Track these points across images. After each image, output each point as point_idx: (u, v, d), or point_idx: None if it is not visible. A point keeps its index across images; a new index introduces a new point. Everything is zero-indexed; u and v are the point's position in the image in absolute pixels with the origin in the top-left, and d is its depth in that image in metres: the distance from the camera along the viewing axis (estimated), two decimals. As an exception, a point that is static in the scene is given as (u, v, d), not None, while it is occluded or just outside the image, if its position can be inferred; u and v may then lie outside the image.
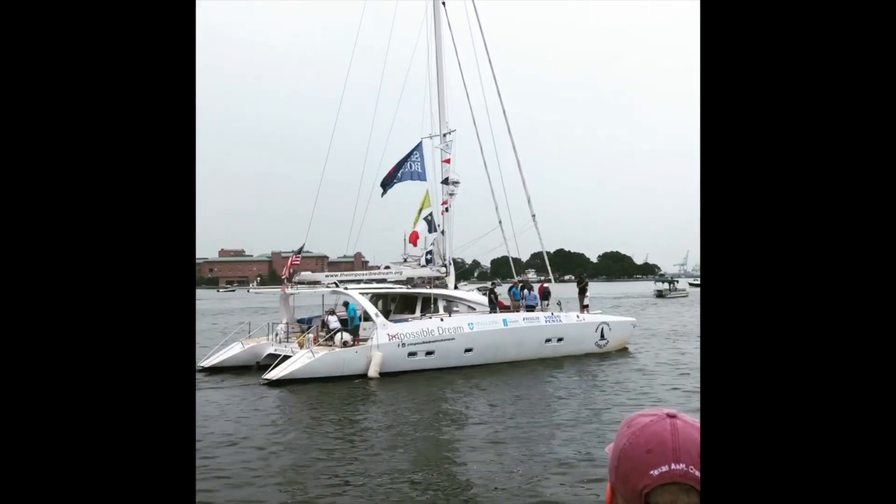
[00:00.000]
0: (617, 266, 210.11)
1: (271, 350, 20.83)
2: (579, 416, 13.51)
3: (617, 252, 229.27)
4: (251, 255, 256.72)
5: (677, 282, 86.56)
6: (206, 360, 20.88)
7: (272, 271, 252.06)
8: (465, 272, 38.33)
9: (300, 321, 22.51)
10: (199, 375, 19.67)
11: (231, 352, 21.05)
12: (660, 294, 74.19)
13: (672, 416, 1.11)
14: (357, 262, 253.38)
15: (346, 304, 20.94)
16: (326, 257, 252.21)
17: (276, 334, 21.69)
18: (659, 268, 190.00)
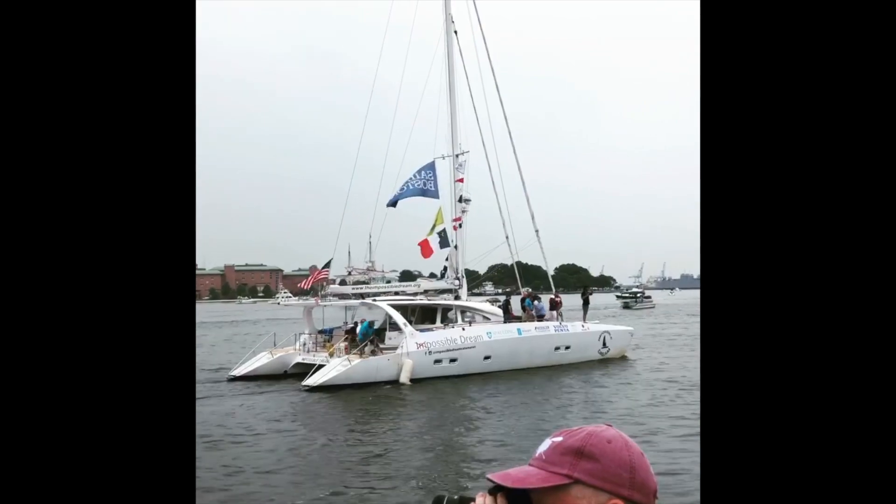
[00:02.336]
0: (574, 278, 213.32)
1: (299, 359, 21.99)
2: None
3: (573, 264, 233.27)
4: (203, 269, 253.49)
5: (642, 292, 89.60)
6: (236, 370, 21.91)
7: (225, 284, 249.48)
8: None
9: (321, 332, 23.70)
10: (232, 384, 20.75)
11: (260, 361, 22.12)
12: (626, 305, 76.44)
13: (609, 425, 1.19)
14: (311, 274, 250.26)
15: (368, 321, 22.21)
16: (281, 271, 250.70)
17: (304, 344, 22.83)
18: (615, 279, 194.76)
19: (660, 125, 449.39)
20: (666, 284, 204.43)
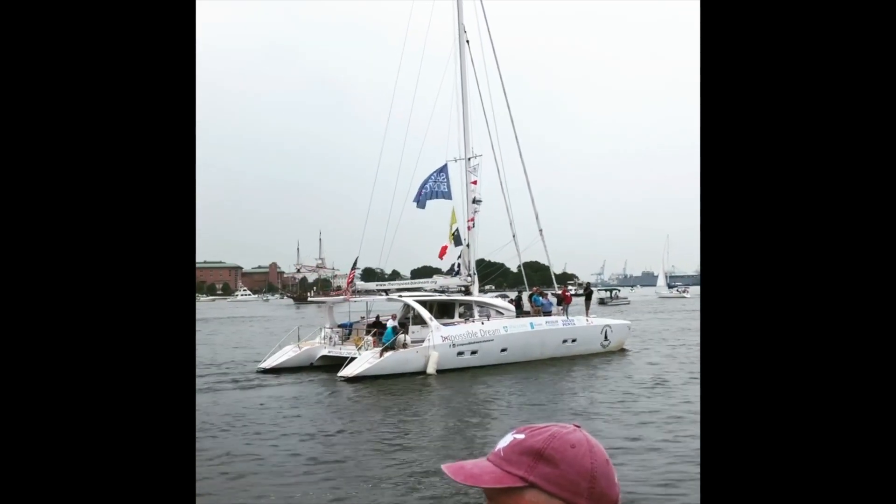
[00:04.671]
0: (537, 276, 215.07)
1: (325, 352, 23.15)
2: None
3: (536, 262, 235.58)
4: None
5: (619, 290, 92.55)
6: (265, 362, 22.97)
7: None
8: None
9: (341, 326, 24.86)
10: (263, 376, 21.80)
11: (287, 354, 23.19)
12: (602, 301, 78.68)
13: (577, 426, 1.15)
14: (272, 273, 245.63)
15: (393, 317, 23.48)
16: (240, 268, 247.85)
17: (330, 338, 23.96)
18: (577, 276, 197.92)
19: (623, 129, 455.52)
20: (627, 281, 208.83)
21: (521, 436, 1.12)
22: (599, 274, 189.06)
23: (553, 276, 29.12)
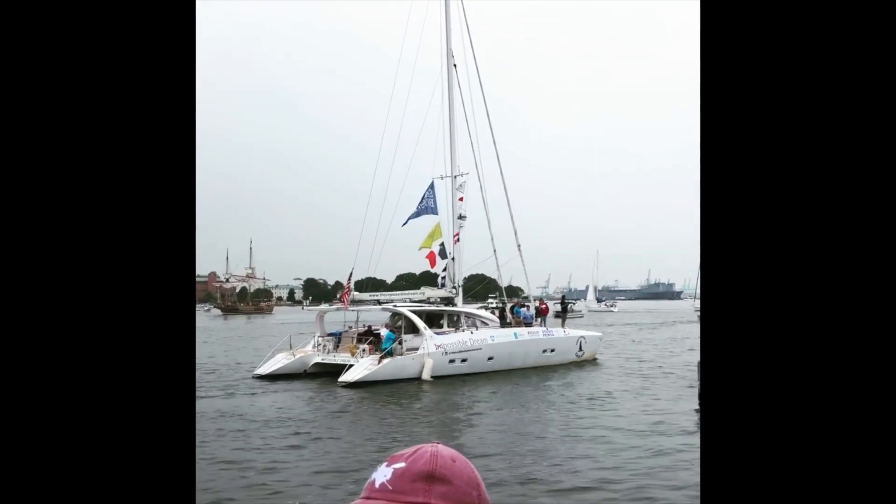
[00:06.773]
0: (482, 287, 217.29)
1: (318, 359, 24.00)
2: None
3: (483, 275, 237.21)
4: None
5: (574, 303, 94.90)
6: (260, 369, 23.69)
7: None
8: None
9: (330, 335, 25.74)
10: (260, 382, 22.51)
11: (281, 362, 23.94)
12: (557, 314, 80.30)
13: (438, 442, 1.19)
14: (211, 282, 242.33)
15: (387, 326, 24.55)
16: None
17: (323, 346, 24.80)
18: (522, 290, 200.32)
19: (578, 144, 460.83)
20: (571, 295, 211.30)
21: (401, 464, 1.12)
22: (545, 287, 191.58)
23: (529, 291, 30.57)
